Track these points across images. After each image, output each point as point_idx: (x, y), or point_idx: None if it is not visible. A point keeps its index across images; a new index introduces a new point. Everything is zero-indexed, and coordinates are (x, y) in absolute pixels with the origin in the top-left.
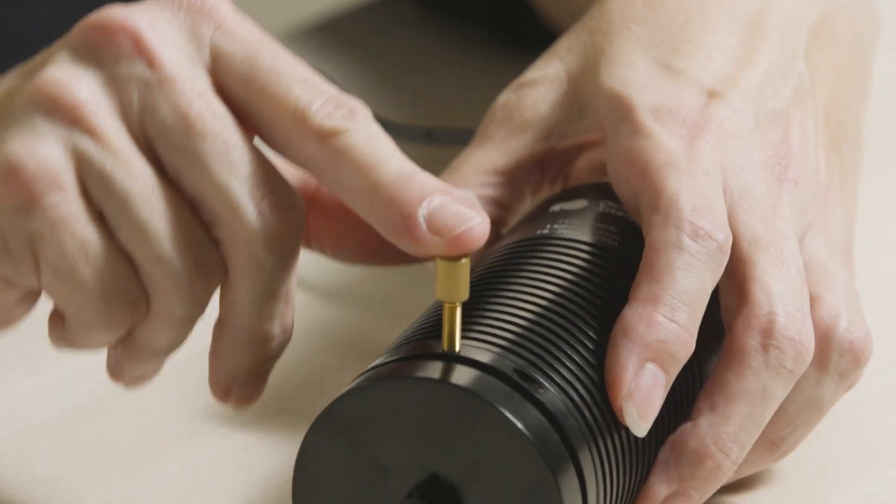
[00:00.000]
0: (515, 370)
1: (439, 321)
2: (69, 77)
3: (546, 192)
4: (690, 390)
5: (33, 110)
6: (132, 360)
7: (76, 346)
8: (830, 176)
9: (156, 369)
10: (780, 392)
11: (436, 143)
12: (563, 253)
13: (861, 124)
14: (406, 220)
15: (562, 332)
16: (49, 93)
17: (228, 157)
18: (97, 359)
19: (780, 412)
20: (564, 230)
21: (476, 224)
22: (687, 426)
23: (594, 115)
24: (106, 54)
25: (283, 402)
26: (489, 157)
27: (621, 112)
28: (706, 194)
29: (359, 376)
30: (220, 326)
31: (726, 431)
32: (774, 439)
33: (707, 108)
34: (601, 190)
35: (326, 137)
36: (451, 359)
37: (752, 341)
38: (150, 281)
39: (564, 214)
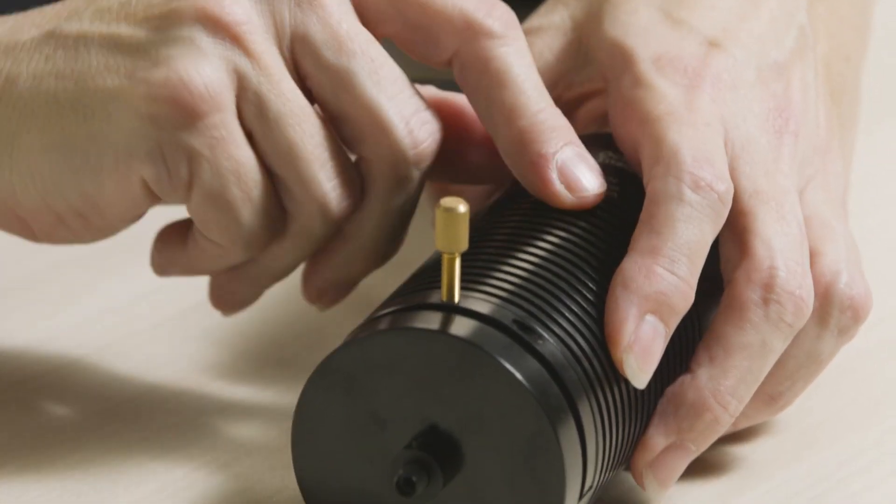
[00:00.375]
0: (515, 321)
1: (438, 272)
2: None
3: None
4: (689, 342)
5: (197, 28)
6: (248, 284)
7: (195, 270)
8: (830, 129)
9: (260, 294)
10: (779, 346)
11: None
12: None
13: (860, 77)
14: (538, 160)
15: (561, 284)
16: (212, 12)
17: (378, 74)
18: (97, 308)
19: (780, 367)
20: None
21: (598, 192)
22: (685, 378)
23: (597, 64)
24: None
25: (282, 353)
26: None
27: (623, 61)
28: (707, 146)
29: (358, 327)
30: (341, 238)
31: (725, 384)
32: (773, 394)
33: (707, 58)
34: (601, 141)
35: (489, 38)
36: (451, 309)
37: (753, 295)
38: (296, 202)
39: None
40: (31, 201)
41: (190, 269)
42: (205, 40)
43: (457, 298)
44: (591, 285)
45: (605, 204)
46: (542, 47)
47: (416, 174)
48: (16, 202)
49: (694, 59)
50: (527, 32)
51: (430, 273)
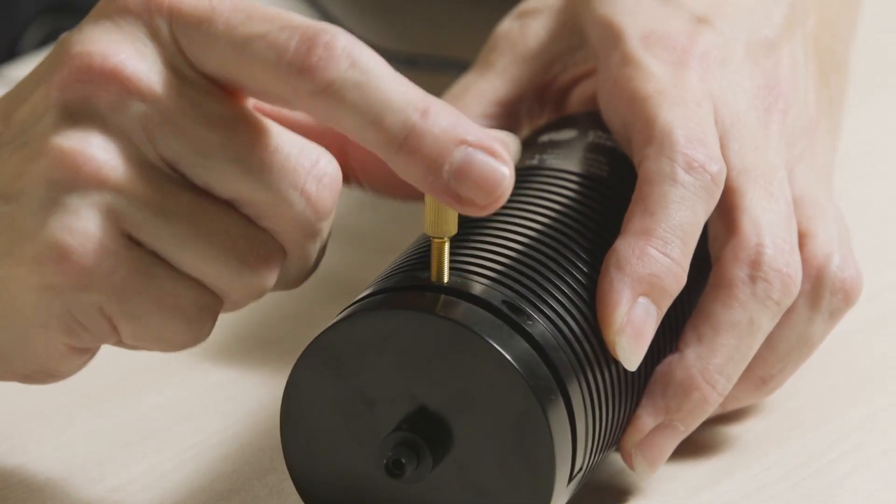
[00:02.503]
0: (504, 302)
1: (427, 253)
2: (80, 144)
3: None
4: (677, 321)
5: (56, 188)
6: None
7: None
8: (819, 106)
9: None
10: (766, 324)
11: (418, 69)
12: (552, 184)
13: (849, 53)
14: (433, 185)
15: (551, 264)
16: (68, 166)
17: (253, 157)
18: None
19: (771, 350)
20: (554, 160)
21: (506, 183)
22: (674, 358)
23: (590, 43)
24: (99, 106)
25: (270, 334)
26: (492, 86)
27: (611, 39)
28: (699, 125)
29: (346, 308)
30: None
31: (713, 363)
32: (764, 377)
33: (696, 35)
34: (591, 119)
35: (316, 95)
36: (440, 290)
37: (740, 273)
38: (222, 292)
39: (554, 145)
40: None
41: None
42: (67, 198)
43: (446, 279)
44: (581, 266)
45: (595, 183)
46: (538, 28)
47: (325, 224)
48: None
49: (682, 35)
50: (524, 13)
51: (419, 254)
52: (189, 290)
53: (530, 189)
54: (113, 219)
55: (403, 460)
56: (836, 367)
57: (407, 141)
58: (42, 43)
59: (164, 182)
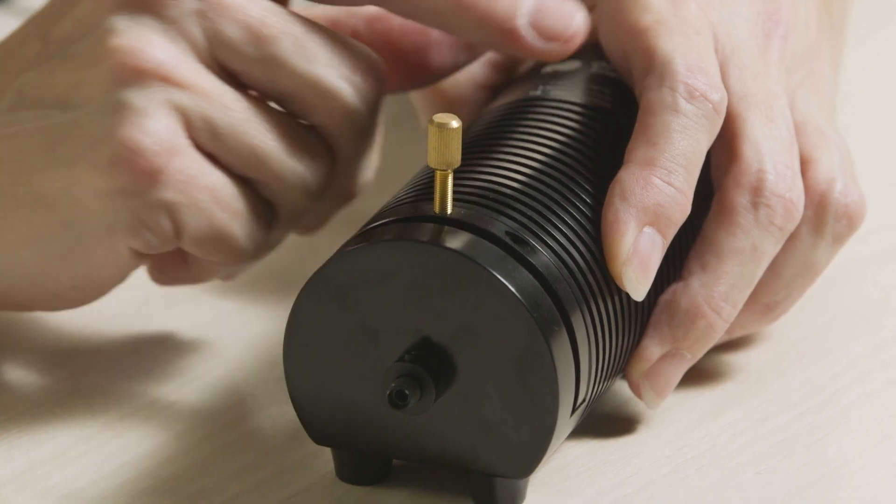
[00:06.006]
0: (507, 233)
1: (430, 184)
2: (139, 41)
3: None
4: (681, 250)
5: (122, 89)
6: (257, 259)
7: (202, 281)
8: (820, 32)
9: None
10: (770, 249)
11: None
12: (555, 115)
13: None
14: (510, 35)
15: (554, 195)
16: (130, 65)
17: (304, 48)
18: None
19: (775, 276)
20: (556, 91)
21: (582, 20)
22: (678, 286)
23: None
24: (154, 3)
25: (273, 266)
26: None
27: None
28: (699, 54)
29: (349, 239)
30: (328, 193)
31: (718, 290)
32: (769, 303)
33: None
34: (595, 50)
35: None
36: (443, 221)
37: (742, 199)
38: (277, 193)
39: (557, 76)
40: (21, 292)
41: (196, 281)
42: (135, 96)
43: (449, 211)
44: (584, 197)
45: (598, 114)
46: None
47: (373, 119)
48: (6, 295)
49: None
50: None
51: (422, 186)
52: (244, 191)
53: (533, 120)
54: (179, 114)
55: (406, 391)
56: (839, 299)
57: None
58: None
59: (221, 83)
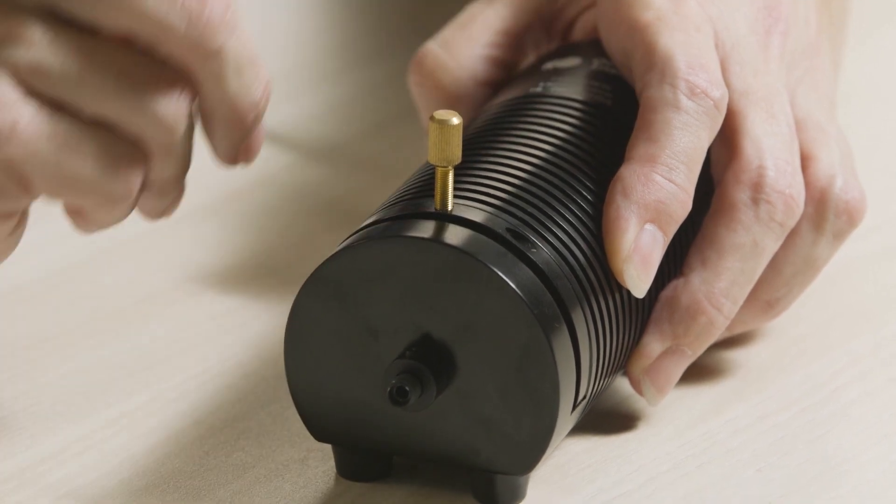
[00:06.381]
0: (508, 229)
1: (431, 180)
2: None
3: None
4: (681, 246)
5: None
6: (158, 197)
7: (107, 226)
8: (820, 28)
9: (180, 194)
10: (770, 245)
11: None
12: (556, 111)
13: None
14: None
15: (555, 192)
16: None
17: None
18: None
19: (776, 273)
20: (557, 88)
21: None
22: (679, 282)
23: None
24: None
25: (273, 264)
26: (500, 15)
27: None
28: (700, 51)
29: (349, 236)
30: (205, 117)
31: (718, 286)
32: (769, 300)
33: None
34: (596, 47)
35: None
36: (444, 218)
37: (742, 195)
38: (137, 128)
39: (557, 72)
40: None
41: (104, 227)
42: None
43: (450, 207)
44: (585, 194)
45: (599, 111)
46: None
47: (225, 38)
48: None
49: None
50: None
51: (423, 183)
52: (96, 134)
53: (534, 117)
54: (9, 69)
55: (407, 388)
56: (840, 296)
57: None
58: None
59: (54, 26)
